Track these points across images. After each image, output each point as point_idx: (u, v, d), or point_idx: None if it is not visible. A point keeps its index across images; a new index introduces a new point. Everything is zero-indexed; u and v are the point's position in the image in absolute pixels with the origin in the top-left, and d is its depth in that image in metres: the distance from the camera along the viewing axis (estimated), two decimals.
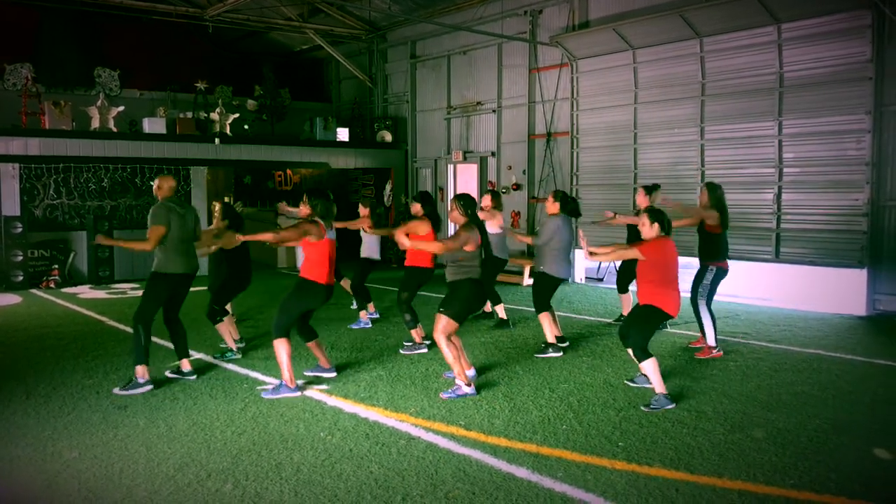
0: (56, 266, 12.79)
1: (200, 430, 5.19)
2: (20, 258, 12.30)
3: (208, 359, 7.30)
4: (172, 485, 4.25)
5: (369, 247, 9.04)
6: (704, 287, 7.31)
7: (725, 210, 7.35)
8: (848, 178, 9.44)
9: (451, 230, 6.90)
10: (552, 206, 7.48)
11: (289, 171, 18.81)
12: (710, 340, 7.22)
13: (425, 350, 7.57)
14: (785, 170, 10.06)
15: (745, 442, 4.87)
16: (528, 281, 11.96)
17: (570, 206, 7.52)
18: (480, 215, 6.89)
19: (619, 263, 9.34)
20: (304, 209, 6.12)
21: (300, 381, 6.28)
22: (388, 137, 16.77)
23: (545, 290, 7.45)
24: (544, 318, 7.43)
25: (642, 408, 5.57)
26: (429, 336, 7.51)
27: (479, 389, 6.06)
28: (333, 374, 6.61)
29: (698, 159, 10.99)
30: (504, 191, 13.93)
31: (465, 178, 15.26)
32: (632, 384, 6.22)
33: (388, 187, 16.67)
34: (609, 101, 12.20)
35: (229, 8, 14.60)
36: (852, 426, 5.18)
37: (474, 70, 14.95)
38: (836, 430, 5.09)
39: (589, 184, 12.61)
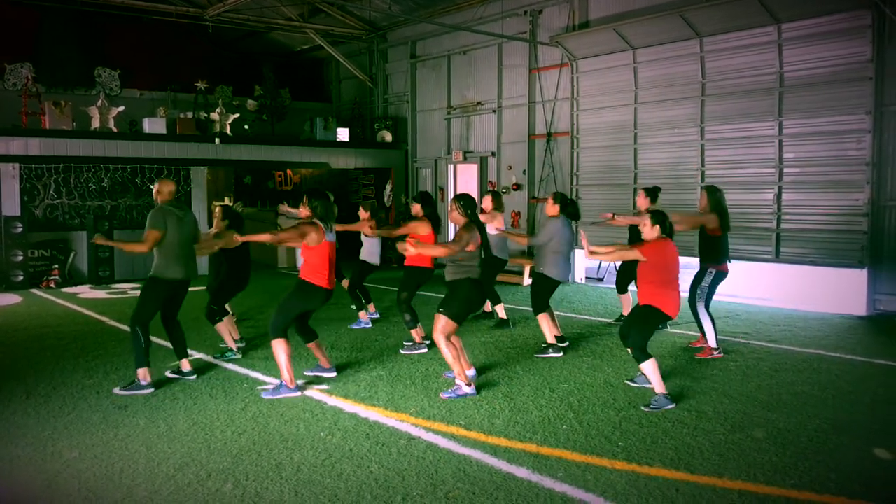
0: (56, 266, 12.80)
1: (200, 429, 5.19)
2: (20, 258, 12.31)
3: (208, 359, 7.30)
4: (173, 484, 4.25)
5: (369, 251, 9.01)
6: (703, 289, 7.30)
7: (726, 213, 7.33)
8: (848, 178, 9.44)
9: (452, 230, 6.90)
10: (552, 209, 7.47)
11: (289, 171, 18.80)
12: (711, 342, 7.22)
13: (425, 350, 7.57)
14: (785, 170, 10.06)
15: (746, 442, 4.87)
16: (527, 281, 11.96)
17: (569, 209, 7.50)
18: (481, 217, 6.89)
19: (618, 263, 9.34)
20: (303, 210, 6.11)
21: (300, 381, 6.28)
22: (389, 137, 16.77)
23: (543, 291, 7.45)
24: (543, 319, 7.42)
25: (642, 408, 5.57)
26: (429, 336, 7.51)
27: (479, 389, 6.06)
28: (333, 374, 6.61)
29: (698, 159, 10.99)
30: (504, 191, 13.93)
31: (465, 179, 15.26)
32: (632, 384, 6.22)
33: (389, 187, 16.68)
34: (609, 101, 12.20)
35: (229, 8, 14.60)
36: (852, 426, 5.18)
37: (474, 70, 14.95)
38: (836, 430, 5.09)
39: (589, 184, 12.61)
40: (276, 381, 6.19)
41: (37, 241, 12.66)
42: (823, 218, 9.66)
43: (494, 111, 14.45)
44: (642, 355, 5.69)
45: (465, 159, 15.15)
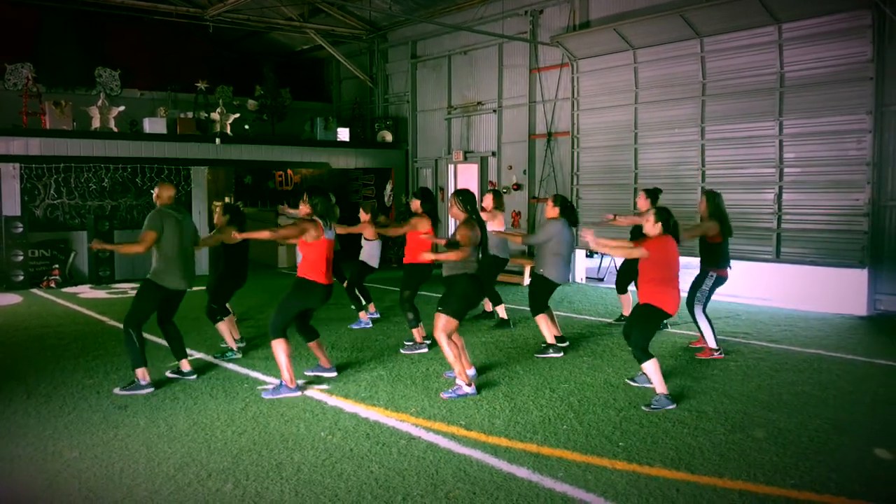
0: (56, 266, 12.80)
1: (201, 429, 5.19)
2: (21, 258, 12.31)
3: (209, 358, 7.30)
4: (173, 484, 4.25)
5: (369, 254, 9.00)
6: (703, 293, 7.30)
7: (726, 218, 7.32)
8: (849, 178, 9.44)
9: (452, 227, 6.89)
10: (552, 210, 7.45)
11: (289, 171, 18.80)
12: (711, 343, 7.22)
13: (426, 350, 7.57)
14: (786, 170, 10.05)
15: (746, 442, 4.87)
16: (528, 281, 11.95)
17: (568, 213, 7.48)
18: (482, 215, 6.88)
19: (619, 263, 9.33)
20: (303, 208, 6.11)
21: (301, 381, 6.28)
22: (389, 137, 16.77)
23: (542, 292, 7.44)
24: (541, 320, 7.42)
25: (643, 408, 5.57)
26: (429, 336, 7.51)
27: (479, 389, 6.06)
28: (334, 374, 6.61)
29: (699, 159, 10.99)
30: (504, 191, 13.92)
31: (465, 178, 15.25)
32: (633, 383, 6.22)
33: (389, 187, 16.67)
34: (609, 101, 12.20)
35: (230, 8, 14.60)
36: (853, 426, 5.18)
37: (475, 70, 14.95)
38: (836, 430, 5.09)
39: (589, 184, 12.60)
40: (277, 381, 6.18)
41: (37, 240, 12.66)
42: (824, 218, 9.66)
43: (495, 111, 14.45)
44: (644, 355, 5.69)
45: (466, 159, 15.15)
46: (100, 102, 13.71)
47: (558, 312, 8.45)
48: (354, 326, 8.86)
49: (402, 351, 7.59)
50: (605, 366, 6.92)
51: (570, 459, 4.57)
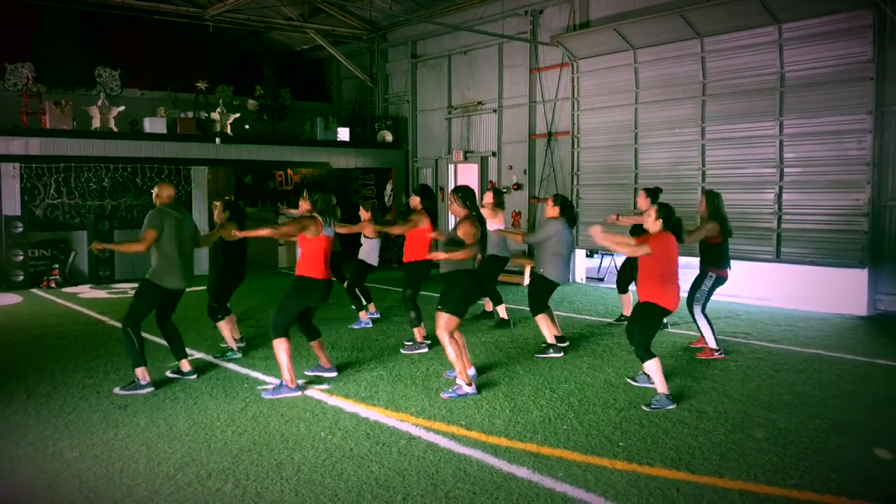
0: (56, 266, 12.80)
1: (201, 429, 5.19)
2: (21, 258, 12.31)
3: (209, 358, 7.30)
4: (173, 484, 4.25)
5: (368, 251, 9.00)
6: (702, 293, 7.30)
7: (725, 219, 7.31)
8: (849, 178, 9.44)
9: (452, 223, 6.88)
10: (552, 210, 7.45)
11: (289, 171, 18.78)
12: (711, 343, 7.22)
13: (426, 350, 7.57)
14: (786, 170, 10.05)
15: (746, 442, 4.86)
16: (528, 281, 11.94)
17: (568, 213, 7.48)
18: (482, 210, 6.88)
19: (619, 263, 9.33)
20: (303, 205, 6.11)
21: (301, 381, 6.28)
22: (389, 137, 16.77)
23: (542, 292, 7.43)
24: (541, 320, 7.42)
25: (643, 407, 5.57)
26: (430, 336, 7.52)
27: (479, 389, 6.06)
28: (334, 374, 6.60)
29: (699, 159, 10.99)
30: (505, 190, 13.91)
31: (465, 178, 15.23)
32: (633, 383, 6.22)
33: (389, 187, 16.67)
34: (610, 101, 12.20)
35: (230, 8, 14.60)
36: (853, 426, 5.18)
37: (475, 70, 14.95)
38: (837, 430, 5.09)
39: (590, 184, 12.60)
40: (277, 381, 6.18)
41: (37, 240, 12.67)
42: (824, 218, 9.66)
43: (495, 111, 14.45)
44: (646, 354, 5.69)
45: (466, 159, 15.15)
46: (100, 102, 13.71)
47: (558, 312, 8.44)
48: (355, 326, 8.86)
49: (402, 351, 7.59)
50: (606, 366, 6.92)
51: (571, 459, 4.57)
